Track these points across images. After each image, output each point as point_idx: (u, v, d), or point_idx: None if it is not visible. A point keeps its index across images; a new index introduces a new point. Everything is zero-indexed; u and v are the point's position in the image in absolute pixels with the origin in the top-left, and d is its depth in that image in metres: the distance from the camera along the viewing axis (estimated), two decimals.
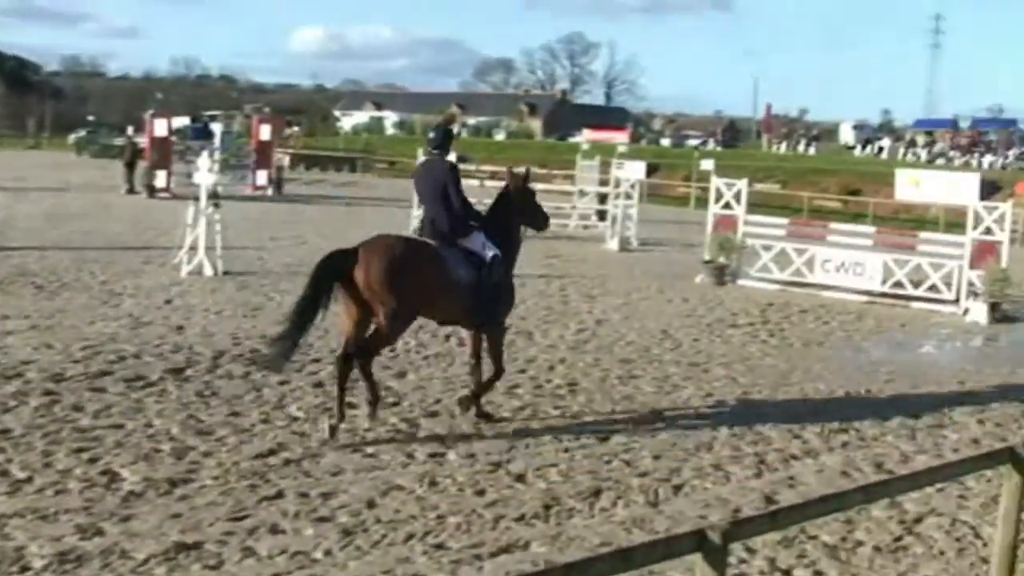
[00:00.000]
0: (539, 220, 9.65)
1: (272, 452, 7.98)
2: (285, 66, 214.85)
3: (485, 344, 9.18)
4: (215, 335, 12.16)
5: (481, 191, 28.95)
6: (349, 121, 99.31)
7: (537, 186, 30.68)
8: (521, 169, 9.67)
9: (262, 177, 36.36)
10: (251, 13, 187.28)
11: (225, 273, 16.80)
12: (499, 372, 9.33)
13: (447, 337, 12.82)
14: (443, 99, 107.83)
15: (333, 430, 8.35)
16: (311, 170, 54.72)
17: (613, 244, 25.34)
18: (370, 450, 8.19)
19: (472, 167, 50.61)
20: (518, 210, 9.34)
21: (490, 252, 8.89)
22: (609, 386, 10.99)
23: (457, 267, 8.72)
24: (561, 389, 10.69)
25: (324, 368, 10.68)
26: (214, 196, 17.72)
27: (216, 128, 40.88)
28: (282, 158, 42.63)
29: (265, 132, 37.22)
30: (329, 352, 11.29)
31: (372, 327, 8.46)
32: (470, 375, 9.45)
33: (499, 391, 10.24)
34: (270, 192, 35.83)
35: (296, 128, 70.14)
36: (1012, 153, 54.18)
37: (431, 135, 9.27)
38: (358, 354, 8.51)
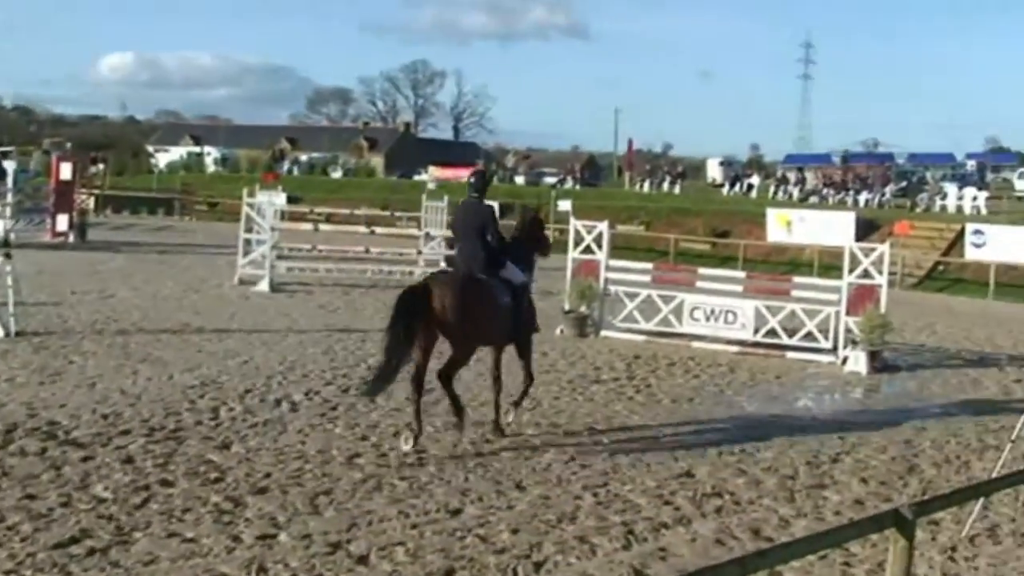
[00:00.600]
0: (545, 247, 12.44)
1: (74, 540, 7.66)
2: (90, 96, 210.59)
3: (515, 357, 11.82)
4: (6, 405, 11.72)
5: (325, 237, 28.73)
6: (165, 157, 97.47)
7: (378, 230, 30.66)
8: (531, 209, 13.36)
9: (62, 222, 35.39)
10: (49, 36, 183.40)
11: (18, 334, 16.18)
12: (531, 377, 12.17)
13: (277, 402, 12.72)
14: (271, 132, 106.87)
15: (415, 439, 10.55)
16: (120, 213, 53.82)
17: None
18: (189, 534, 7.93)
19: (305, 208, 50.32)
20: (532, 239, 12.14)
21: (520, 278, 11.57)
22: (462, 452, 10.97)
23: (502, 295, 11.25)
24: (408, 457, 10.62)
25: (135, 441, 10.44)
26: (4, 244, 17.10)
27: (8, 166, 39.67)
28: (86, 200, 41.47)
29: (66, 171, 36.31)
30: (141, 422, 11.12)
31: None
32: (493, 386, 11.83)
33: (338, 461, 10.20)
34: (72, 239, 34.88)
35: (102, 165, 68.65)
36: (889, 189, 56.42)
37: (472, 180, 11.71)
38: (441, 382, 10.92)
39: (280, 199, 36.17)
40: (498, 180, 77.88)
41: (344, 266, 27.44)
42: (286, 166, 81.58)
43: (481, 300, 10.84)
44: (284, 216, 46.74)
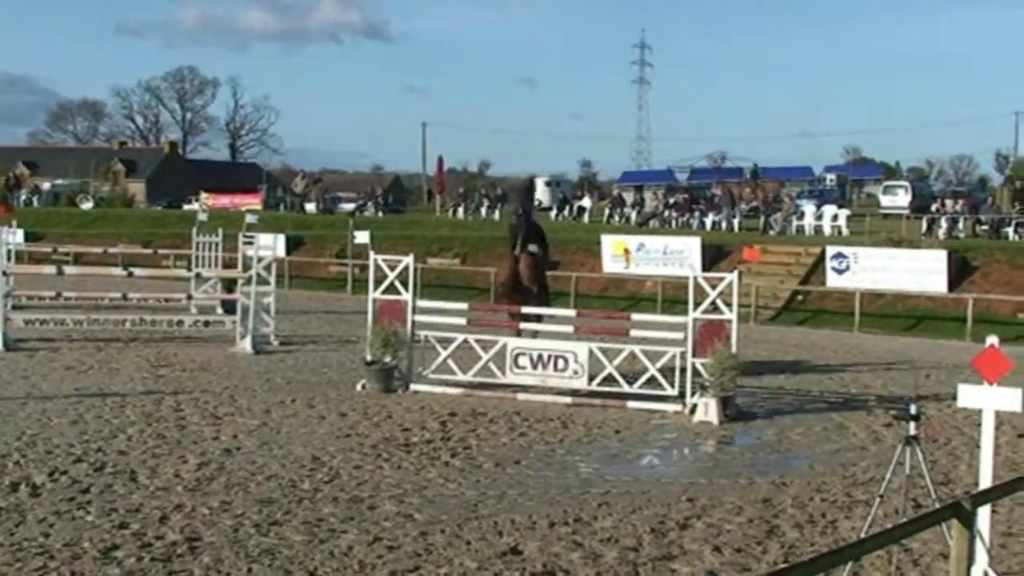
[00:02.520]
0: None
1: None
2: None
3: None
4: None
5: (79, 284, 28.17)
6: None
7: (138, 272, 30.60)
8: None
9: None
10: None
11: None
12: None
13: (14, 487, 12.39)
14: (4, 155, 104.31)
15: None
16: None
17: (245, 345, 25.19)
18: None
19: (47, 247, 49.48)
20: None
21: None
22: (244, 537, 10.82)
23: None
24: (178, 547, 10.42)
25: None
26: None
27: None
28: None
29: None
30: None
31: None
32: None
33: (90, 556, 9.97)
34: None
35: None
36: (739, 210, 57.81)
37: (518, 210, 23.35)
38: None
39: (15, 236, 35.32)
40: (285, 208, 77.68)
41: (97, 316, 26.78)
42: (23, 196, 79.63)
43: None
44: (21, 257, 45.44)
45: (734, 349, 19.00)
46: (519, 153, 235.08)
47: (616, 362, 19.64)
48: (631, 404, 19.21)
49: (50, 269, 29.34)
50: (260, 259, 27.06)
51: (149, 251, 41.37)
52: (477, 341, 20.57)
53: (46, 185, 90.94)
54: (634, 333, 20.48)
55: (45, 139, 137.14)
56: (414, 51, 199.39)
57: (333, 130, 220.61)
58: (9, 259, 28.42)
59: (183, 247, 39.20)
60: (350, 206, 75.78)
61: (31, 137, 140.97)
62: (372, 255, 21.89)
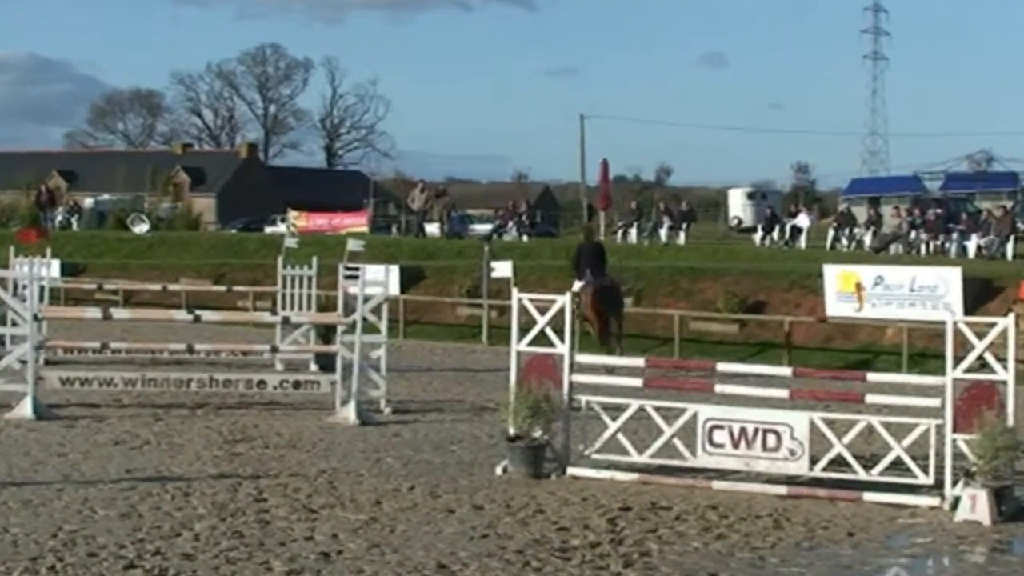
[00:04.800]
0: None
1: None
2: None
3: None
4: None
5: None
6: None
7: (207, 315, 31.32)
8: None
9: None
10: None
11: None
12: (623, 331, 34.75)
13: None
14: (34, 163, 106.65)
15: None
16: None
17: (347, 413, 25.25)
18: None
19: (91, 283, 50.32)
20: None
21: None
22: None
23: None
24: None
25: None
26: None
27: None
28: None
29: None
30: None
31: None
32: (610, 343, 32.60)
33: None
34: None
35: None
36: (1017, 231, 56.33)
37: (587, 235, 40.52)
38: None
39: (50, 269, 35.93)
40: (398, 231, 78.40)
41: (154, 375, 27.05)
42: (59, 216, 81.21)
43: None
44: (57, 297, 46.36)
45: (1011, 421, 18.47)
46: (708, 155, 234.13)
47: (847, 439, 19.23)
48: (868, 496, 18.82)
49: (94, 312, 29.61)
50: (367, 299, 27.16)
51: (221, 288, 42.12)
52: (657, 409, 20.33)
53: (88, 201, 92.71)
54: (871, 399, 20.11)
55: (87, 142, 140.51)
56: (565, 20, 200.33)
57: (461, 127, 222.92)
58: (41, 299, 28.94)
59: (265, 283, 39.53)
60: (485, 228, 76.17)
61: (69, 140, 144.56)
62: (515, 293, 21.81)
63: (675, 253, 60.41)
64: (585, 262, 34.78)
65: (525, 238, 71.07)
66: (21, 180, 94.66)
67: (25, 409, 24.66)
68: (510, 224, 75.47)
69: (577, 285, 33.62)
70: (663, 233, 68.97)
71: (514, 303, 21.51)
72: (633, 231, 69.81)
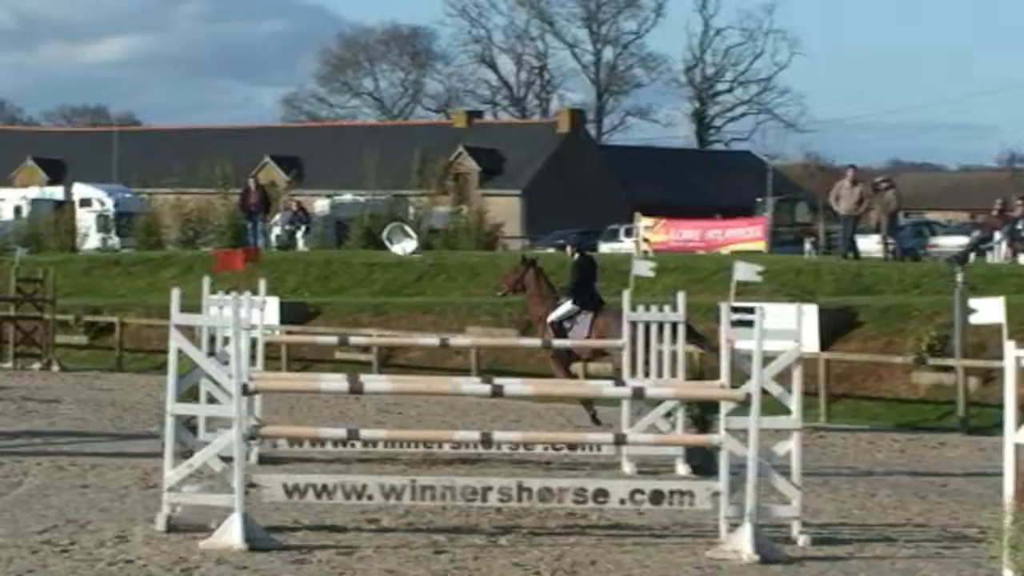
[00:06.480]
0: None
1: None
2: None
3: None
4: None
5: None
6: None
7: (509, 385, 32.09)
8: None
9: None
10: None
11: None
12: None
13: None
14: (239, 143, 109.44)
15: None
16: None
17: (739, 543, 24.20)
18: None
19: (330, 333, 50.66)
20: None
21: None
22: None
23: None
24: None
25: None
26: None
27: None
28: None
29: None
30: None
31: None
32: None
33: None
34: None
35: None
36: None
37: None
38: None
39: (264, 311, 36.02)
40: (814, 248, 78.01)
41: (431, 480, 26.25)
42: (275, 229, 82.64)
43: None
44: (275, 355, 47.28)
45: None
46: None
47: None
48: None
49: (335, 381, 29.38)
50: (767, 360, 26.78)
51: (533, 342, 40.75)
52: None
53: (320, 205, 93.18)
54: None
55: (316, 112, 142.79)
56: None
57: (911, 82, 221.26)
58: (252, 361, 28.80)
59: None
60: (955, 242, 75.46)
61: (289, 108, 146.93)
62: (1010, 349, 21.24)
63: None
64: None
65: None
66: (216, 173, 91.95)
67: (231, 534, 23.76)
68: (997, 236, 73.26)
69: None
70: None
71: (1008, 365, 20.96)
72: None
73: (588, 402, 37.14)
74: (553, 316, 39.55)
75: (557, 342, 38.65)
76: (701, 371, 33.56)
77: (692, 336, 37.13)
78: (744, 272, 31.05)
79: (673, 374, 32.76)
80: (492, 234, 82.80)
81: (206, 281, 33.47)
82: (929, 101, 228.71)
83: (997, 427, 20.58)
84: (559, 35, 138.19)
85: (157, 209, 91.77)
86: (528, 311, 42.57)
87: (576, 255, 42.35)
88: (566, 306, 39.77)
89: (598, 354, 39.96)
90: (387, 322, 54.53)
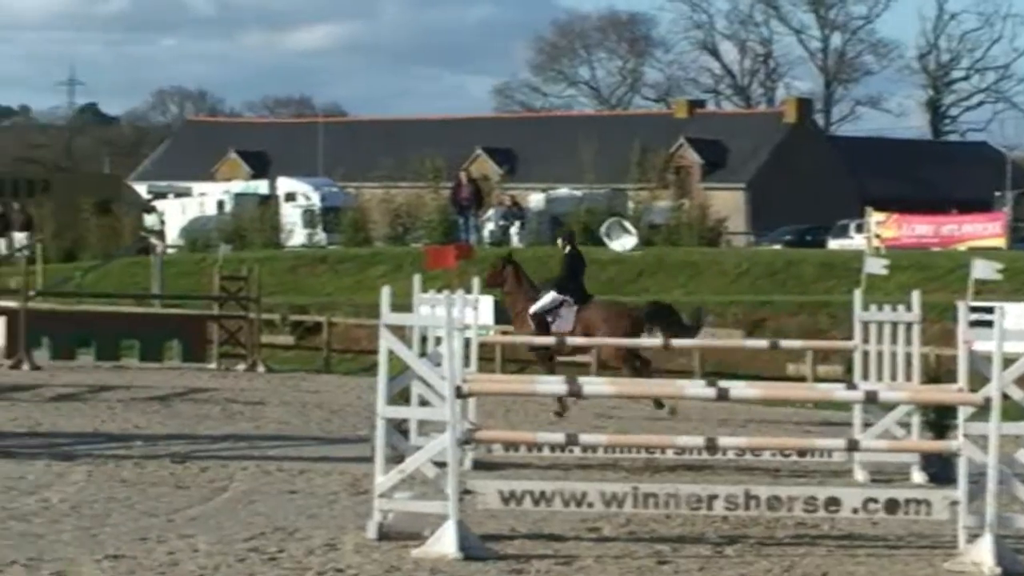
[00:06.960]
0: None
1: None
2: None
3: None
4: None
5: None
6: (176, 211, 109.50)
7: (736, 389, 31.54)
8: None
9: None
10: None
11: None
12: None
13: None
14: (452, 136, 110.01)
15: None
16: (66, 358, 58.83)
17: (980, 555, 23.85)
18: None
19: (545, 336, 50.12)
20: None
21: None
22: None
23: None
24: None
25: None
26: None
27: None
28: None
29: None
30: None
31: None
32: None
33: None
34: None
35: (21, 236, 72.66)
36: None
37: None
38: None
39: (477, 311, 35.47)
40: None
41: (654, 487, 25.40)
42: (488, 225, 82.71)
43: None
44: (491, 357, 47.06)
45: None
46: None
47: None
48: None
49: (553, 384, 29.02)
50: (1008, 363, 25.87)
51: (760, 343, 40.65)
52: None
53: (535, 199, 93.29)
54: None
55: (530, 102, 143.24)
56: None
57: None
58: (467, 363, 28.19)
59: (832, 333, 38.79)
60: None
61: (501, 98, 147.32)
62: None
63: None
64: None
65: None
66: (426, 166, 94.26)
67: (445, 542, 23.60)
68: None
69: None
70: None
71: None
72: None
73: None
74: (535, 307, 42.24)
75: (538, 340, 41.92)
76: (938, 374, 32.30)
77: (675, 326, 41.96)
78: (983, 270, 30.22)
79: (908, 377, 31.31)
80: (715, 230, 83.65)
81: (417, 279, 33.26)
82: None
83: None
84: (785, 20, 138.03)
85: (364, 204, 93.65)
86: (507, 306, 45.41)
87: (567, 248, 46.34)
88: (549, 296, 42.76)
89: (578, 350, 45.16)
90: None
